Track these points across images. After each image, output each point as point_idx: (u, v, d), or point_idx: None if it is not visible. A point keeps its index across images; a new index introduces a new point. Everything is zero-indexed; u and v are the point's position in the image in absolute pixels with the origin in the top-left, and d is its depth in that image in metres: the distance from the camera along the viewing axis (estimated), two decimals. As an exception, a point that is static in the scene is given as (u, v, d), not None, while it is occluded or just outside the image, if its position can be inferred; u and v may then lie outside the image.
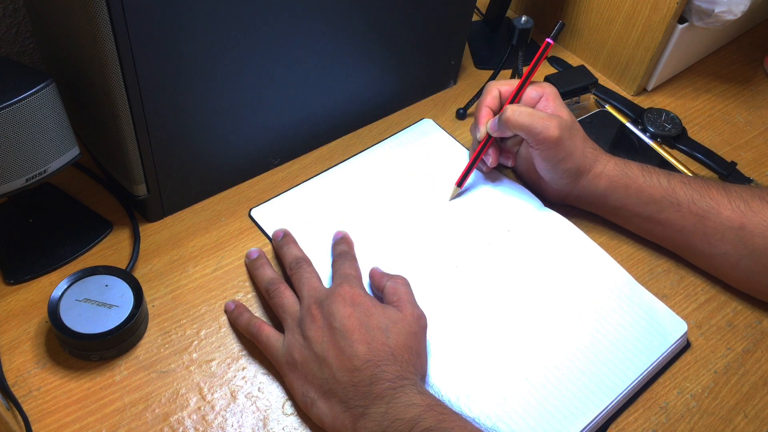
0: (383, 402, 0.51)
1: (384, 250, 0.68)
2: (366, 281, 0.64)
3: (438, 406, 0.52)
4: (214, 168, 0.70)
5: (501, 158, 0.73)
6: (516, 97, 0.69)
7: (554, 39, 0.69)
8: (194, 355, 0.60)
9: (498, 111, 0.70)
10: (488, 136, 0.70)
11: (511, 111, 0.66)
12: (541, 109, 0.68)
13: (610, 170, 0.67)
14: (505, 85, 0.71)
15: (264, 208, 0.71)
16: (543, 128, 0.65)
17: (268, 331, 0.59)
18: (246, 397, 0.58)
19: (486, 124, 0.70)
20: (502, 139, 0.72)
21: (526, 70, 0.70)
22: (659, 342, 0.63)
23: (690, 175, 0.77)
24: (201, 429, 0.56)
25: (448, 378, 0.59)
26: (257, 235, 0.69)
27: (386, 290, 0.60)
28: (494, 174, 0.75)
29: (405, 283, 0.61)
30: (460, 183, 0.72)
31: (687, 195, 0.65)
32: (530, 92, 0.69)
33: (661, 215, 0.66)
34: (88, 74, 0.57)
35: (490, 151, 0.72)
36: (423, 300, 0.60)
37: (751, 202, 0.64)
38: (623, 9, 0.84)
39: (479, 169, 0.75)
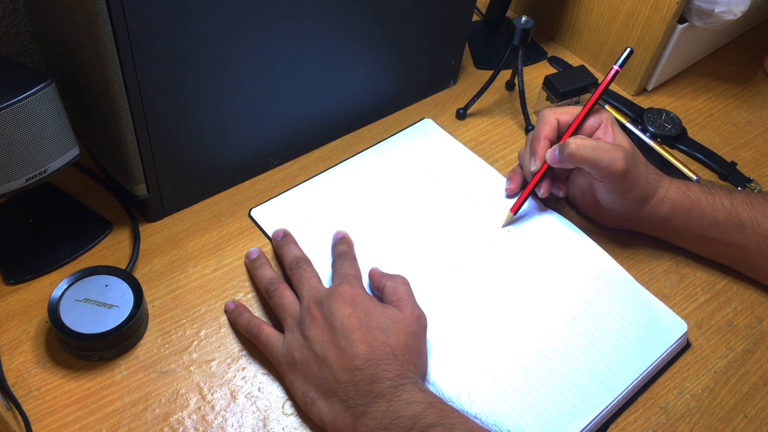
0: (384, 400, 0.51)
1: (384, 250, 0.68)
2: (366, 281, 0.64)
3: (440, 404, 0.52)
4: (214, 168, 0.70)
5: (552, 189, 0.70)
6: (577, 127, 0.67)
7: (621, 66, 0.68)
8: (194, 355, 0.60)
9: (555, 140, 0.68)
10: (545, 166, 0.68)
11: (576, 145, 0.63)
12: (600, 137, 0.67)
13: (672, 194, 0.66)
14: (564, 113, 0.68)
15: (264, 208, 0.71)
16: (610, 162, 0.62)
17: (268, 331, 0.59)
18: (246, 397, 0.58)
19: (543, 155, 0.68)
20: (554, 169, 0.70)
21: (591, 99, 0.67)
22: (659, 342, 0.63)
23: (693, 179, 0.76)
24: (201, 429, 0.56)
25: (449, 377, 0.59)
26: (257, 235, 0.69)
27: (386, 290, 0.60)
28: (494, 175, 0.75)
29: (405, 282, 0.61)
30: (516, 211, 0.70)
31: (751, 216, 0.64)
32: (588, 119, 0.67)
33: (724, 237, 0.66)
34: (88, 74, 0.57)
35: (543, 181, 0.69)
36: (423, 300, 0.60)
37: None
38: (623, 9, 0.84)
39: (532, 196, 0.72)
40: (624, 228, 0.71)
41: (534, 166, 0.68)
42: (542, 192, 0.69)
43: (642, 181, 0.65)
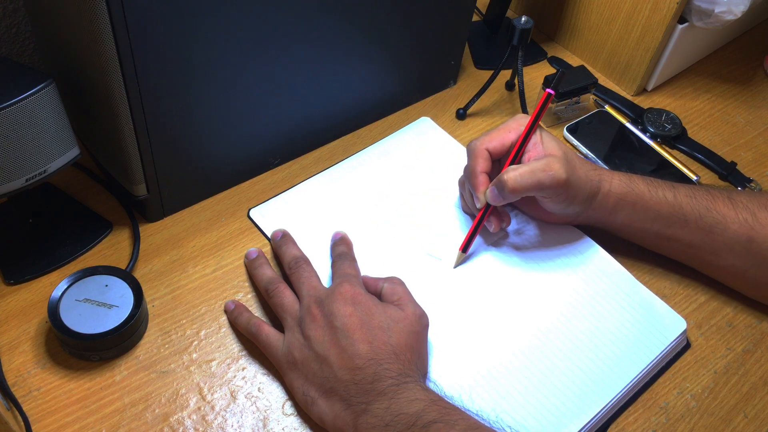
0: (386, 398, 0.52)
1: (383, 250, 0.68)
2: None
3: (441, 401, 0.52)
4: (214, 168, 0.70)
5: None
6: (514, 158, 0.65)
7: (555, 89, 0.66)
8: (194, 355, 0.60)
9: (492, 170, 0.66)
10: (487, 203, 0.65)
11: (513, 181, 0.61)
12: (531, 149, 0.64)
13: (615, 188, 0.65)
14: (492, 141, 0.65)
15: (263, 208, 0.71)
16: (551, 180, 0.61)
17: (268, 331, 0.59)
18: (246, 397, 0.58)
19: (485, 194, 0.64)
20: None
21: (523, 132, 0.64)
22: (659, 340, 0.63)
23: (693, 179, 0.76)
24: (201, 429, 0.56)
25: (449, 376, 0.59)
26: (257, 235, 0.69)
27: (385, 291, 0.60)
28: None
29: (401, 282, 0.61)
30: (465, 249, 0.67)
31: (694, 210, 0.64)
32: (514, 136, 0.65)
33: (668, 231, 0.65)
34: (88, 74, 0.57)
35: (492, 218, 0.66)
36: (422, 299, 0.60)
37: (758, 213, 0.63)
38: (623, 9, 0.84)
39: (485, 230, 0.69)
40: (575, 224, 0.70)
41: (479, 203, 0.65)
42: (493, 228, 0.67)
43: (583, 182, 0.63)
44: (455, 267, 0.67)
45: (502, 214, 0.68)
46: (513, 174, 0.61)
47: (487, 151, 0.65)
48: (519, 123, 0.65)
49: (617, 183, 0.65)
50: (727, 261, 0.65)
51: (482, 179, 0.65)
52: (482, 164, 0.65)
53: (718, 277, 0.68)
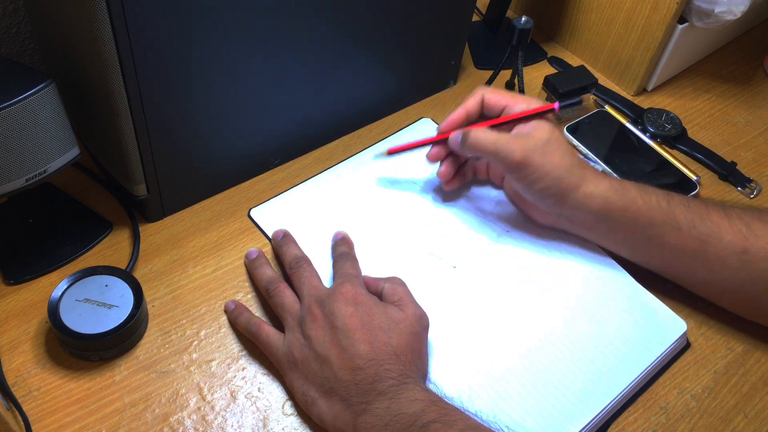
0: (386, 398, 0.52)
1: (383, 250, 0.68)
2: None
3: (441, 402, 0.52)
4: (214, 168, 0.70)
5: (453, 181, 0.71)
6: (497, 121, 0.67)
7: (560, 107, 0.68)
8: (194, 355, 0.60)
9: (475, 115, 0.68)
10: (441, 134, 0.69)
11: (474, 137, 0.64)
12: (522, 127, 0.65)
13: (604, 191, 0.63)
14: (494, 93, 0.67)
15: (263, 208, 0.71)
16: (504, 153, 0.62)
17: (268, 331, 0.59)
18: (246, 397, 0.58)
19: (452, 121, 0.68)
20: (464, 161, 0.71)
21: (524, 112, 0.66)
22: (658, 342, 0.63)
23: (693, 179, 0.76)
24: (201, 429, 0.56)
25: (449, 377, 0.59)
26: (257, 235, 0.69)
27: (385, 291, 0.60)
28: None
29: (402, 283, 0.61)
30: (392, 153, 0.72)
31: (687, 219, 0.62)
32: (517, 106, 0.66)
33: (660, 239, 0.63)
34: (88, 74, 0.57)
35: (444, 165, 0.70)
36: (422, 300, 0.60)
37: (753, 225, 0.61)
38: (623, 9, 0.84)
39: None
40: (558, 227, 0.69)
41: (439, 128, 0.69)
42: (441, 171, 0.70)
43: (555, 172, 0.62)
44: (374, 157, 0.74)
45: (459, 172, 0.71)
46: (479, 132, 0.64)
47: (483, 97, 0.68)
48: (528, 103, 0.66)
49: (606, 186, 0.63)
50: (720, 275, 0.62)
51: (459, 113, 0.68)
52: (471, 103, 0.68)
53: (711, 295, 0.66)
